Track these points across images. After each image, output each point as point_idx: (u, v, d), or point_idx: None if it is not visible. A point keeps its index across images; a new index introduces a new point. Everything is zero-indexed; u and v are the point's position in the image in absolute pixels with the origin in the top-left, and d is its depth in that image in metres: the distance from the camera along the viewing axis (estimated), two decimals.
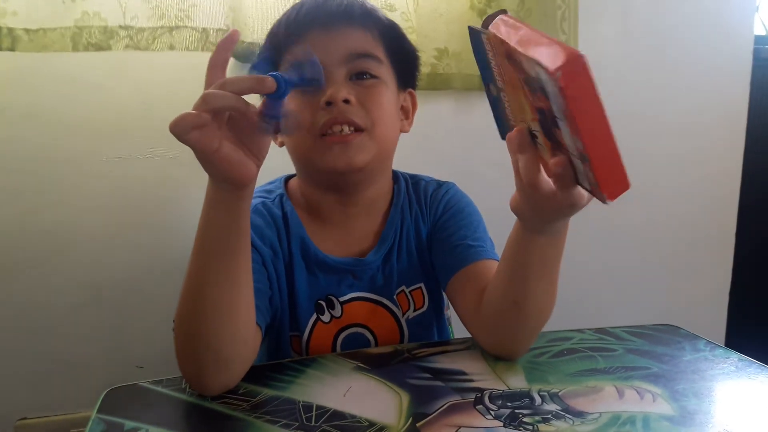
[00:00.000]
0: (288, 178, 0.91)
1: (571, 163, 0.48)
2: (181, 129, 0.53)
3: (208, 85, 0.57)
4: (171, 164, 1.16)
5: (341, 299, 0.84)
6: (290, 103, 0.75)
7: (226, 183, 0.59)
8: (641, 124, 1.48)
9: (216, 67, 0.58)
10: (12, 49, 0.94)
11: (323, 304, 0.83)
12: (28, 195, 1.12)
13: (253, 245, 0.77)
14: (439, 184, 0.93)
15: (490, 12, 1.21)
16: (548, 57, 0.42)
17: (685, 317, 0.99)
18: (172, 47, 0.98)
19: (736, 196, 1.65)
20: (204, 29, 1.01)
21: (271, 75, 0.56)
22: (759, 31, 1.76)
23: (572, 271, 1.48)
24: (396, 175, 0.92)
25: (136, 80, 1.14)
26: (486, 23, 0.52)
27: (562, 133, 0.46)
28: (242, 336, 0.67)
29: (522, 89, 0.50)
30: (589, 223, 1.50)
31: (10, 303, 1.14)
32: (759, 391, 0.68)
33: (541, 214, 0.61)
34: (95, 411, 0.62)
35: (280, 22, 0.82)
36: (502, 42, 0.48)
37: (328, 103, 0.76)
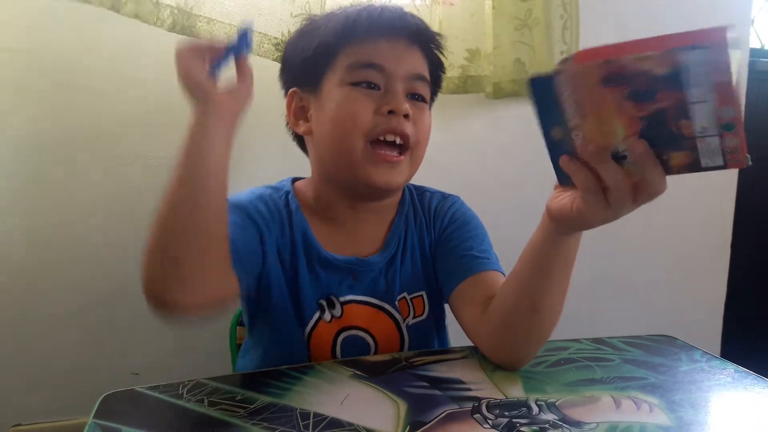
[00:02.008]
0: (294, 180, 0.92)
1: (692, 150, 0.52)
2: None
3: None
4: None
5: (342, 299, 0.84)
6: (349, 103, 0.79)
7: (193, 98, 0.64)
8: None
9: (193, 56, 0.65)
10: None
11: (324, 303, 0.84)
12: (28, 200, 1.12)
13: (252, 218, 0.80)
14: (445, 197, 0.94)
15: (504, 19, 1.21)
16: (698, 37, 0.47)
17: (680, 327, 0.99)
18: (137, 16, 1.05)
19: (732, 208, 1.66)
20: (157, 2, 1.05)
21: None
22: (754, 44, 1.78)
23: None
24: None
25: (132, 80, 1.14)
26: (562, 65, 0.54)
27: (693, 121, 0.50)
28: (207, 250, 0.65)
29: (618, 110, 0.52)
30: (586, 234, 1.50)
31: (6, 308, 1.13)
32: (755, 402, 0.68)
33: (606, 214, 0.59)
34: (92, 416, 0.62)
35: (358, 16, 0.81)
36: (602, 64, 0.51)
37: (390, 112, 0.78)
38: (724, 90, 0.48)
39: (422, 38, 0.85)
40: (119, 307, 1.19)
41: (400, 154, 0.80)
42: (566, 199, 0.63)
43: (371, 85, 0.80)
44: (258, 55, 1.10)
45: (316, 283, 0.84)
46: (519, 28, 1.21)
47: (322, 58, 0.82)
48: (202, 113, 0.64)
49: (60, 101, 1.11)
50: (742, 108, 0.50)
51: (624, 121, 0.53)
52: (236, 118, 0.67)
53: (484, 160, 1.39)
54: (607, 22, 1.44)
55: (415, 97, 0.83)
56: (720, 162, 0.52)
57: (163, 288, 0.64)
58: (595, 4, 1.39)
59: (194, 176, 0.63)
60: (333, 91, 0.81)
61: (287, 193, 0.87)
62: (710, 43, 0.46)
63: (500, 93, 1.26)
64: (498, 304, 0.76)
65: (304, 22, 0.90)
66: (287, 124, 0.89)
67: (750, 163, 0.51)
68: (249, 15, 1.11)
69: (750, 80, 1.61)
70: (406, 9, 0.86)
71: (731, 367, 0.76)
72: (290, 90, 0.87)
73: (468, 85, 1.23)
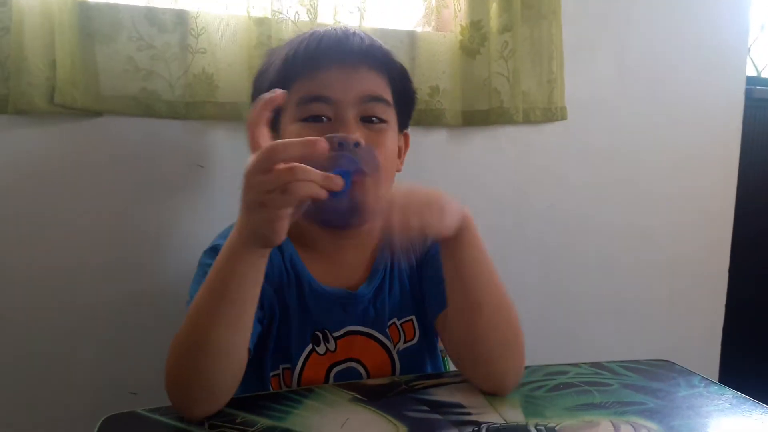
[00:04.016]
0: None
1: None
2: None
3: (254, 143, 0.59)
4: (169, 208, 1.17)
5: (335, 334, 0.84)
6: (293, 136, 0.76)
7: (262, 242, 0.63)
8: (634, 163, 1.51)
9: (259, 125, 0.60)
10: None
11: (320, 335, 0.83)
12: (26, 225, 1.12)
13: None
14: None
15: (482, 51, 1.27)
16: None
17: (679, 351, 1.00)
18: (202, 117, 1.12)
19: (729, 234, 1.67)
20: (223, 103, 1.12)
21: (336, 172, 0.61)
22: (750, 72, 1.80)
23: (567, 305, 1.51)
24: None
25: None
26: None
27: None
28: (236, 372, 0.69)
29: None
30: (584, 258, 1.51)
31: (4, 327, 1.13)
32: (753, 428, 0.69)
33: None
34: None
35: (296, 50, 0.81)
36: None
37: (340, 144, 0.77)
38: None
39: (371, 57, 0.82)
40: (117, 327, 1.19)
41: None
42: None
43: (319, 119, 0.79)
44: None
45: (307, 315, 0.84)
46: (496, 60, 1.29)
47: None
48: (244, 244, 0.64)
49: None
50: None
51: None
52: None
53: (474, 183, 1.40)
54: (604, 51, 1.46)
55: (372, 119, 0.82)
56: None
57: (193, 405, 0.67)
58: (586, 32, 1.41)
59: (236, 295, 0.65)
60: (286, 130, 0.80)
61: None
62: None
63: (474, 122, 1.34)
64: (452, 323, 0.77)
65: (264, 59, 0.89)
66: None
67: None
68: None
69: (747, 107, 1.62)
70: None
71: (729, 393, 0.76)
72: None
73: (428, 118, 1.29)
